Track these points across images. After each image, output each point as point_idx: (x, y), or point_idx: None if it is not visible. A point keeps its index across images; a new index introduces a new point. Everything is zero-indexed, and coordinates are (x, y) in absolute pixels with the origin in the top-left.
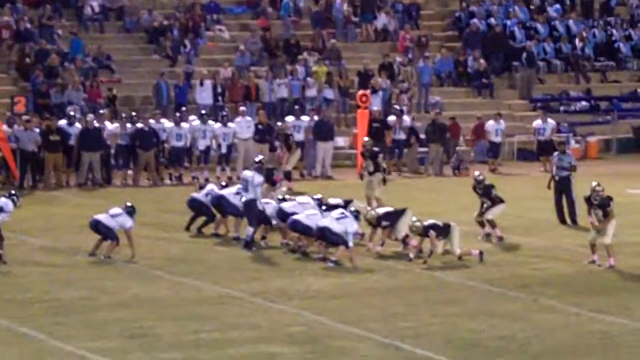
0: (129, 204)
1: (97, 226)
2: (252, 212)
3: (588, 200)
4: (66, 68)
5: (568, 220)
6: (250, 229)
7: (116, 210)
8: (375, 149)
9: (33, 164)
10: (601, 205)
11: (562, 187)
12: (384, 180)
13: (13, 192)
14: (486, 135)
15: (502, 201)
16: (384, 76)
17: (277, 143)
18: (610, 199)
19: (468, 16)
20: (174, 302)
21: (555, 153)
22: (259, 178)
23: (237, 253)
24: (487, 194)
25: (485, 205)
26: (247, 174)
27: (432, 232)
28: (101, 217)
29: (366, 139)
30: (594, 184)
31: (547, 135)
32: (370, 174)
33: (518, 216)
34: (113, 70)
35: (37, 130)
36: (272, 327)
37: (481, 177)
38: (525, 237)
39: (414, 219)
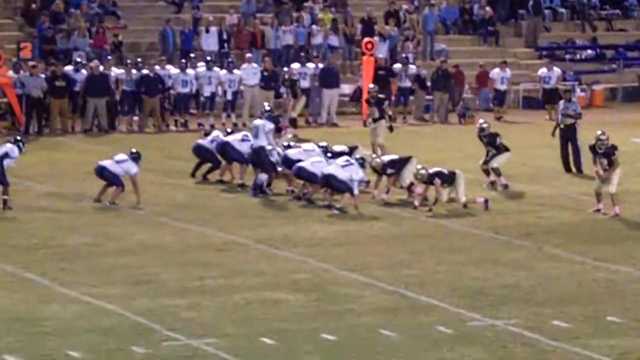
0: (134, 150)
1: (102, 172)
2: (261, 159)
3: (593, 149)
4: (72, 14)
5: (573, 169)
6: (264, 176)
7: (121, 156)
8: (381, 95)
9: (39, 109)
10: (606, 154)
11: (568, 135)
12: (390, 128)
13: (18, 137)
14: (492, 83)
15: (507, 149)
16: (392, 24)
17: (282, 89)
18: (615, 147)
19: None
20: (179, 248)
21: (561, 101)
22: (269, 125)
23: (242, 200)
24: (492, 143)
25: (490, 154)
26: (258, 121)
27: (437, 180)
28: (106, 163)
29: (372, 85)
30: (598, 132)
31: (552, 83)
32: (375, 120)
33: (523, 164)
34: (119, 16)
35: (43, 76)
36: (277, 274)
37: (485, 125)
38: (530, 186)
39: (419, 166)
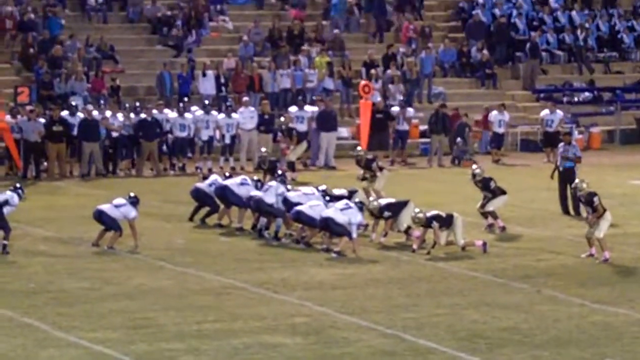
0: (132, 194)
1: (100, 216)
2: (264, 209)
3: (579, 198)
4: (69, 58)
5: (571, 212)
6: (280, 220)
7: (120, 200)
8: (369, 157)
9: (36, 154)
10: (587, 201)
11: (567, 178)
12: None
13: (18, 185)
14: (490, 126)
15: (503, 192)
16: (393, 67)
17: (279, 135)
18: (594, 194)
19: (471, 7)
20: (177, 292)
21: (561, 144)
22: (282, 188)
23: (240, 243)
24: (486, 187)
25: (487, 198)
26: (273, 183)
27: (435, 224)
28: (105, 207)
29: (359, 148)
30: (577, 181)
31: (555, 126)
32: (364, 179)
33: (521, 207)
34: (117, 60)
35: (42, 120)
36: (275, 317)
37: (478, 171)
38: (529, 228)
39: (417, 210)
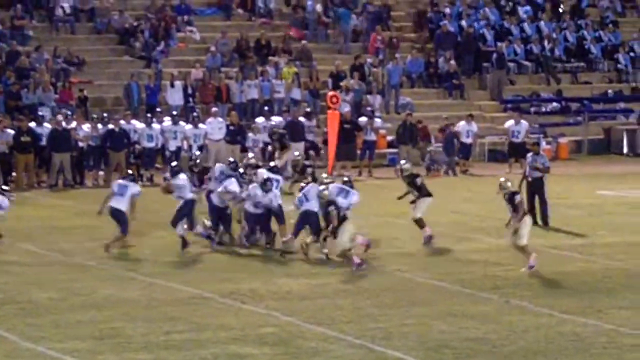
0: (130, 171)
1: (117, 214)
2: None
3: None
4: (37, 69)
5: (540, 222)
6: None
7: (120, 183)
8: (307, 162)
9: (4, 165)
10: (509, 200)
11: (535, 188)
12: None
13: None
14: (457, 136)
15: (429, 194)
16: (357, 77)
17: (252, 143)
18: (516, 193)
19: (439, 18)
20: (145, 303)
21: (529, 154)
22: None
23: (208, 254)
24: (412, 183)
25: (412, 196)
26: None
27: (332, 208)
28: (114, 203)
29: (297, 153)
30: (502, 179)
31: (521, 137)
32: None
33: (489, 217)
34: (84, 71)
35: (11, 131)
36: (243, 328)
37: (406, 166)
38: (497, 239)
39: (322, 187)
